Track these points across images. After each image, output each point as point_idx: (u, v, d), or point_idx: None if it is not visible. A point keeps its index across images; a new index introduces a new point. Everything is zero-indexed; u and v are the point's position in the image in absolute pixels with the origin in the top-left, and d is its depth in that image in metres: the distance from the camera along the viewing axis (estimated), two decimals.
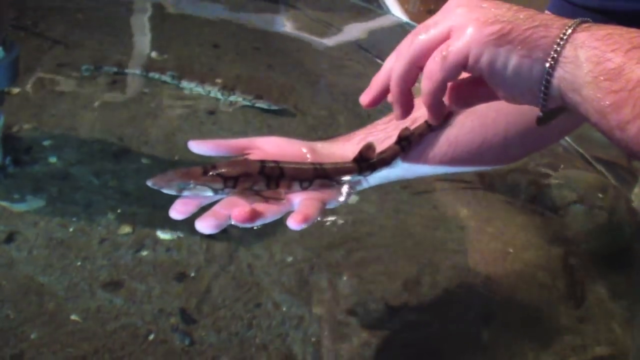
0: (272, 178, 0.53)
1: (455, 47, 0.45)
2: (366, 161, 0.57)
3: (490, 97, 0.49)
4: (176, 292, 0.82)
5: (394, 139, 0.61)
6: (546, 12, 0.66)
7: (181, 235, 0.92)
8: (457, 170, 0.70)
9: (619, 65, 0.40)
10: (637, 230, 1.09)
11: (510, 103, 0.48)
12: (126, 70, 1.50)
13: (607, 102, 0.40)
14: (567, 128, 0.71)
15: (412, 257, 0.98)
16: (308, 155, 0.60)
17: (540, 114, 0.45)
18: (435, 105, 0.48)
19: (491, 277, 0.99)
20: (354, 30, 2.26)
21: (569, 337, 0.88)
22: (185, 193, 0.51)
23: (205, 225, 0.48)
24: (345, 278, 0.91)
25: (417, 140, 0.62)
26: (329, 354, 0.77)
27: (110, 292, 0.80)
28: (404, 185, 1.17)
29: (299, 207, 0.52)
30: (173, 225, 0.93)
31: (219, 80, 1.49)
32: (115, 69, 1.48)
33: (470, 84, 0.49)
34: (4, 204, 0.93)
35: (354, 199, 1.09)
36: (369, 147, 0.57)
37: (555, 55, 0.42)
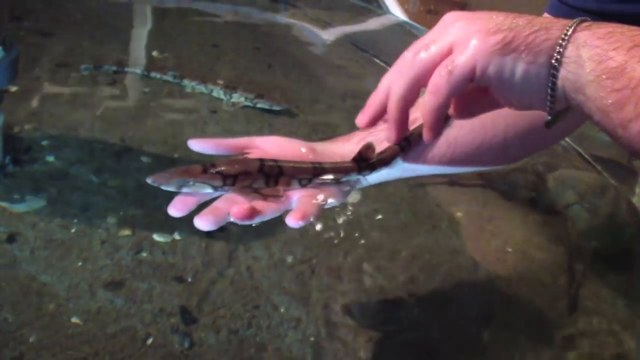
0: (271, 177, 0.53)
1: (461, 60, 0.44)
2: (365, 161, 0.57)
3: (494, 105, 0.49)
4: (176, 292, 0.82)
5: None
6: (545, 14, 0.66)
7: (181, 235, 0.92)
8: (456, 170, 0.70)
9: (621, 64, 0.40)
10: (637, 230, 1.09)
11: (516, 110, 0.49)
12: (126, 69, 1.50)
13: (610, 101, 0.40)
14: (568, 129, 0.71)
15: (412, 257, 0.98)
16: (308, 155, 0.60)
17: (549, 117, 0.45)
18: (437, 121, 0.48)
19: (491, 276, 0.99)
20: (354, 30, 2.26)
21: (569, 336, 0.88)
22: (184, 190, 0.52)
23: (203, 222, 0.48)
24: (344, 278, 0.91)
25: (416, 140, 0.62)
26: (328, 354, 0.77)
27: (111, 293, 0.80)
28: (404, 184, 1.17)
29: (298, 205, 0.53)
30: (173, 226, 0.93)
31: (220, 81, 1.50)
32: (115, 68, 1.48)
33: (474, 94, 0.49)
34: (4, 204, 0.93)
35: (353, 198, 1.09)
36: (369, 147, 0.57)
37: (558, 57, 0.42)
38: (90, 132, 1.17)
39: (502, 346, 0.85)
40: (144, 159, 1.11)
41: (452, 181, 1.22)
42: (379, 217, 1.07)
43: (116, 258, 0.86)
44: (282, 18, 2.27)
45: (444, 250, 1.01)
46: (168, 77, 1.47)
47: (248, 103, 1.41)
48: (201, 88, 1.45)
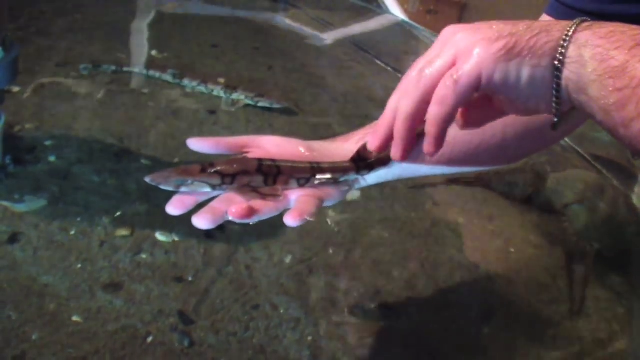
0: (270, 176, 0.53)
1: (466, 69, 0.45)
2: (363, 161, 0.58)
3: (500, 114, 0.50)
4: (175, 293, 0.82)
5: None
6: (544, 15, 0.66)
7: (180, 236, 0.92)
8: (455, 170, 0.70)
9: (623, 63, 0.40)
10: (637, 230, 1.09)
11: (522, 116, 0.49)
12: (125, 69, 1.50)
13: (612, 100, 0.41)
14: (568, 130, 0.71)
15: (412, 257, 0.98)
16: (306, 155, 0.60)
17: (555, 119, 0.46)
18: (441, 132, 0.48)
19: (491, 276, 0.99)
20: (354, 30, 2.26)
21: (569, 336, 0.88)
22: (183, 189, 0.52)
23: (201, 221, 0.48)
24: (343, 278, 0.91)
25: (415, 140, 0.62)
26: (326, 354, 0.77)
27: (111, 293, 0.80)
28: (404, 184, 1.17)
29: (296, 204, 0.53)
30: (172, 226, 0.93)
31: (221, 80, 1.50)
32: (114, 68, 1.48)
33: (479, 104, 0.50)
34: (6, 204, 0.93)
35: (352, 198, 1.09)
36: (367, 147, 0.57)
37: (560, 58, 0.42)
38: (90, 132, 1.18)
39: (502, 346, 0.85)
40: (144, 159, 1.11)
41: (451, 181, 1.22)
42: (378, 217, 1.07)
43: (115, 259, 0.86)
44: (282, 18, 2.27)
45: (443, 250, 1.02)
46: (167, 77, 1.47)
47: (249, 101, 1.41)
48: (201, 88, 1.45)
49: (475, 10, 2.32)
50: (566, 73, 0.43)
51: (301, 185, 0.55)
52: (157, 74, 1.48)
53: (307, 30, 2.13)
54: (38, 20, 1.72)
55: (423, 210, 1.12)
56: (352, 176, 0.58)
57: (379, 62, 1.88)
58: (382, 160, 0.58)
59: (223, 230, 0.95)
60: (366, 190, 1.12)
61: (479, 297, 0.94)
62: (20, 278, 0.80)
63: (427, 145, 0.49)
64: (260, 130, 1.32)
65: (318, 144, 0.64)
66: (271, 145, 0.60)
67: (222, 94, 1.44)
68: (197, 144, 0.57)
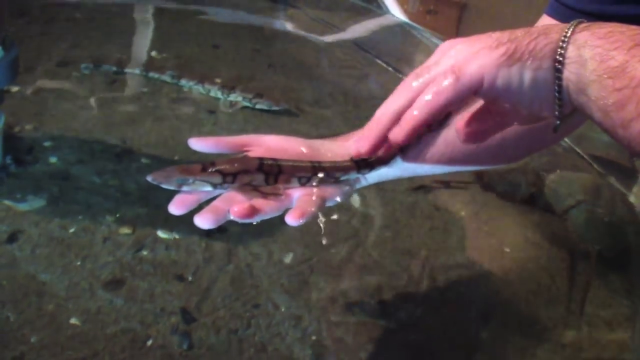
0: (271, 175, 0.53)
1: (470, 70, 0.45)
2: (364, 160, 0.58)
3: (502, 126, 0.50)
4: (176, 292, 0.82)
5: None
6: (544, 15, 0.66)
7: (181, 235, 0.92)
8: (455, 169, 0.70)
9: (622, 63, 0.40)
10: (636, 229, 1.09)
11: (525, 124, 0.49)
12: (126, 70, 1.50)
13: (611, 101, 0.41)
14: (567, 130, 0.71)
15: (411, 256, 0.98)
16: (307, 153, 0.60)
17: (557, 122, 0.46)
18: (419, 123, 0.47)
19: (490, 276, 0.99)
20: (354, 30, 2.26)
21: (568, 336, 0.88)
22: (185, 188, 0.52)
23: (203, 221, 0.48)
24: (343, 277, 0.91)
25: (415, 140, 0.62)
26: (327, 353, 0.77)
27: (111, 293, 0.80)
28: (403, 184, 1.17)
29: (297, 203, 0.53)
30: (173, 226, 0.93)
31: (218, 80, 1.49)
32: (114, 68, 1.48)
33: (483, 118, 0.50)
34: (6, 203, 0.93)
35: (352, 198, 1.09)
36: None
37: (560, 59, 0.42)
38: (90, 132, 1.18)
39: (501, 345, 0.85)
40: (144, 159, 1.11)
41: (450, 181, 1.22)
42: (378, 217, 1.07)
43: (116, 257, 0.87)
44: (282, 18, 2.27)
45: (443, 250, 1.02)
46: (166, 77, 1.47)
47: (247, 103, 1.40)
48: (199, 88, 1.45)
49: (475, 10, 2.32)
50: (566, 73, 0.43)
51: (302, 184, 0.55)
52: (156, 75, 1.48)
53: (307, 31, 2.13)
54: (38, 20, 1.72)
55: (423, 210, 1.12)
56: (353, 175, 0.58)
57: (379, 62, 1.88)
58: (383, 159, 0.58)
59: (224, 229, 0.95)
60: (366, 191, 1.12)
61: (478, 297, 0.94)
62: (20, 277, 0.80)
63: (399, 131, 0.49)
64: (259, 130, 1.32)
65: (319, 142, 0.64)
66: (272, 144, 0.60)
67: (219, 94, 1.43)
68: (198, 144, 0.58)
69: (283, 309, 0.83)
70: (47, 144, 1.11)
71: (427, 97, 0.46)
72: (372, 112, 0.54)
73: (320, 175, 0.55)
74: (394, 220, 1.07)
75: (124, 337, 0.74)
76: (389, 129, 0.51)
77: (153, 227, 0.93)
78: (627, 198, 1.17)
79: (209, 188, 0.52)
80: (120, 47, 1.65)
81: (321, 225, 1.00)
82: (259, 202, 0.50)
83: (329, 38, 2.09)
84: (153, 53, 1.65)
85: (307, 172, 0.55)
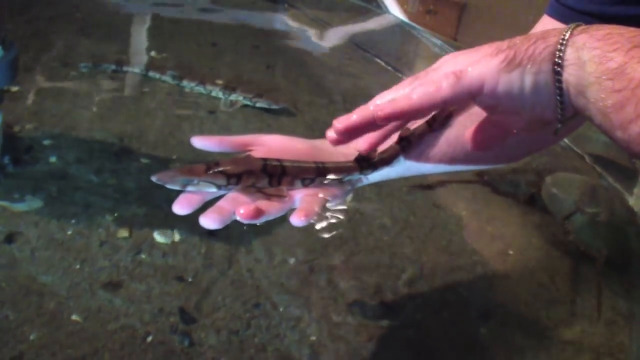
0: (274, 176, 0.53)
1: (471, 74, 0.45)
2: (367, 161, 0.58)
3: (506, 133, 0.50)
4: (176, 292, 0.82)
5: (394, 138, 0.61)
6: (545, 16, 0.66)
7: (181, 235, 0.92)
8: (457, 169, 0.71)
9: (621, 65, 0.40)
10: (636, 230, 1.09)
11: (528, 130, 0.49)
12: (125, 69, 1.50)
13: (610, 102, 0.40)
14: (567, 131, 0.72)
15: (412, 257, 0.98)
16: (310, 153, 0.60)
17: (559, 125, 0.46)
18: (407, 108, 0.47)
19: (491, 277, 0.99)
20: (353, 30, 2.26)
21: (568, 337, 0.88)
22: (189, 189, 0.52)
23: (209, 221, 0.48)
24: (344, 278, 0.91)
25: (417, 140, 0.62)
26: (327, 354, 0.77)
27: (110, 292, 0.80)
28: (404, 184, 1.17)
29: (301, 204, 0.53)
30: (173, 226, 0.93)
31: (219, 81, 1.50)
32: (114, 67, 1.48)
33: (487, 129, 0.51)
34: (4, 203, 0.93)
35: (353, 199, 1.09)
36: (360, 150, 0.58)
37: (559, 61, 0.42)
38: (89, 132, 1.17)
39: (501, 346, 0.85)
40: (143, 159, 1.11)
41: (451, 181, 1.22)
42: (379, 217, 1.07)
43: (115, 258, 0.86)
44: (282, 18, 2.27)
45: (443, 250, 1.02)
46: (167, 77, 1.47)
47: (247, 102, 1.41)
48: (200, 88, 1.45)
49: (475, 10, 2.32)
50: (565, 76, 0.43)
51: (305, 186, 0.55)
52: (157, 75, 1.48)
53: (307, 30, 2.13)
54: (38, 20, 1.72)
55: (423, 211, 1.12)
56: (356, 176, 0.58)
57: (378, 62, 1.88)
58: (385, 160, 0.58)
59: (223, 229, 0.95)
60: (367, 191, 1.12)
61: (479, 298, 0.94)
62: (19, 277, 0.80)
63: (386, 105, 0.47)
64: (258, 130, 1.32)
65: (321, 142, 0.64)
66: (274, 144, 0.60)
67: (220, 94, 1.44)
68: (201, 142, 0.58)
69: (282, 310, 0.83)
70: (46, 143, 1.11)
71: (425, 88, 0.46)
72: None
73: (324, 176, 0.55)
74: (393, 219, 1.07)
75: (124, 334, 0.74)
76: (375, 123, 0.50)
77: (152, 227, 0.93)
78: (624, 199, 1.17)
79: (213, 189, 0.52)
80: (120, 46, 1.65)
81: (321, 225, 1.00)
82: (263, 203, 0.51)
83: (328, 38, 2.10)
84: (152, 53, 1.65)
85: (310, 173, 0.55)
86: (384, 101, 0.48)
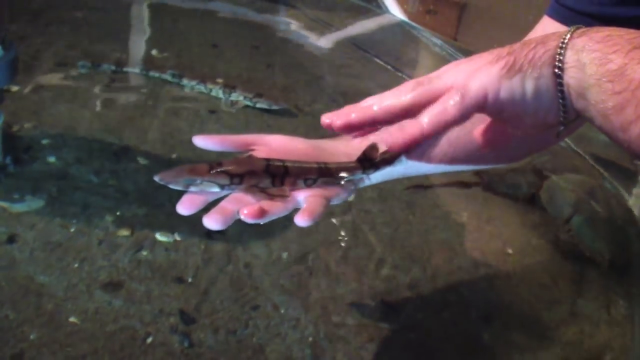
0: (277, 176, 0.53)
1: (473, 87, 0.45)
2: (369, 161, 0.58)
3: (513, 135, 0.50)
4: (175, 293, 0.82)
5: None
6: (545, 16, 0.66)
7: (180, 236, 0.92)
8: (458, 168, 0.71)
9: (621, 66, 0.40)
10: (636, 230, 1.09)
11: (532, 134, 0.49)
12: (125, 69, 1.49)
13: (610, 104, 0.41)
14: (568, 132, 0.72)
15: (411, 257, 0.98)
16: (312, 153, 0.60)
17: (562, 127, 0.46)
18: (420, 137, 0.47)
19: (491, 277, 0.99)
20: (353, 30, 2.26)
21: (569, 338, 0.88)
22: (192, 189, 0.52)
23: (212, 222, 0.48)
24: (342, 278, 0.91)
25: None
26: (327, 355, 0.77)
27: (109, 293, 0.80)
28: (404, 184, 1.17)
29: (305, 204, 0.53)
30: (172, 226, 0.93)
31: (220, 80, 1.50)
32: (113, 67, 1.47)
33: (494, 130, 0.51)
34: (4, 204, 0.93)
35: (354, 198, 1.09)
36: (373, 148, 0.58)
37: (559, 64, 0.43)
38: (89, 132, 1.17)
39: (502, 347, 0.85)
40: (143, 159, 1.11)
41: (451, 181, 1.22)
42: (378, 217, 1.07)
43: (114, 258, 0.86)
44: (282, 18, 2.27)
45: (443, 250, 1.01)
46: (167, 77, 1.47)
47: (247, 102, 1.41)
48: (200, 87, 1.45)
49: (475, 10, 2.32)
50: (566, 78, 0.43)
51: (308, 186, 0.55)
52: (157, 74, 1.48)
53: (307, 30, 2.13)
54: (38, 20, 1.71)
55: (423, 211, 1.12)
56: (358, 176, 0.58)
57: (378, 62, 1.88)
58: (387, 160, 0.59)
59: (223, 230, 0.95)
60: (366, 191, 1.12)
61: (479, 298, 0.94)
62: (19, 277, 0.80)
63: (400, 135, 0.48)
64: (259, 130, 1.32)
65: (323, 142, 0.64)
66: (277, 144, 0.60)
67: (220, 94, 1.43)
68: (203, 141, 0.58)
69: (282, 310, 0.82)
70: (45, 143, 1.10)
71: (433, 113, 0.46)
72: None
73: (326, 176, 0.56)
74: (393, 220, 1.07)
75: (124, 334, 0.74)
76: (374, 119, 0.50)
77: (152, 228, 0.93)
78: (622, 199, 1.17)
79: (216, 189, 0.52)
80: (120, 46, 1.65)
81: (320, 226, 1.00)
82: (266, 203, 0.51)
83: (328, 38, 2.09)
84: (153, 52, 1.65)
85: (313, 173, 0.55)
86: (382, 106, 0.49)
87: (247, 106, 1.41)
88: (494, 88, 0.45)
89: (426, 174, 0.70)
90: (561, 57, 0.43)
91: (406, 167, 0.65)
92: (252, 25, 2.11)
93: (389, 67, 1.84)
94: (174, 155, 1.14)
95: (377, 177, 0.63)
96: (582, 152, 1.43)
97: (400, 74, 1.79)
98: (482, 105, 0.45)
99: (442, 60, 2.02)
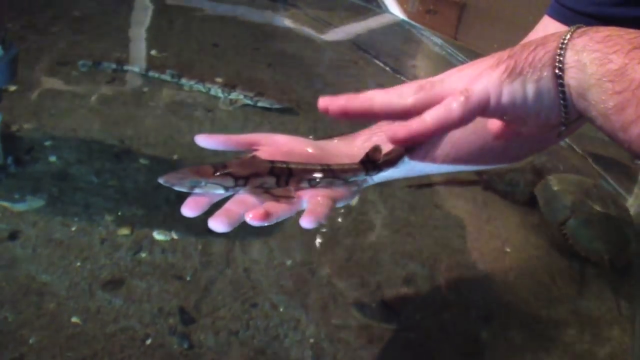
0: (282, 178, 0.53)
1: (477, 89, 0.45)
2: (372, 162, 0.58)
3: (517, 134, 0.50)
4: (174, 292, 0.82)
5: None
6: (545, 16, 0.66)
7: (180, 235, 0.92)
8: (459, 168, 0.71)
9: (621, 66, 0.40)
10: (635, 230, 1.09)
11: (535, 134, 0.49)
12: (125, 68, 1.49)
13: (611, 104, 0.40)
14: (569, 132, 0.72)
15: (411, 257, 0.98)
16: (315, 154, 0.60)
17: (563, 127, 0.46)
18: (422, 135, 0.47)
19: (490, 276, 0.99)
20: (354, 30, 2.26)
21: (568, 336, 0.88)
22: (196, 191, 0.52)
23: (218, 224, 0.48)
24: (343, 278, 0.91)
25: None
26: (327, 355, 0.77)
27: (110, 292, 0.80)
28: (404, 185, 1.17)
29: (310, 206, 0.53)
30: (172, 226, 0.93)
31: (219, 79, 1.49)
32: (114, 66, 1.47)
33: (501, 126, 0.51)
34: (5, 203, 0.93)
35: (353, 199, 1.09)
36: (376, 149, 0.58)
37: (560, 65, 0.42)
38: (89, 132, 1.17)
39: (501, 346, 0.85)
40: (143, 160, 1.11)
41: (451, 181, 1.22)
42: (378, 217, 1.07)
43: (115, 257, 0.86)
44: (282, 17, 2.27)
45: (442, 251, 1.02)
46: (166, 76, 1.47)
47: (248, 101, 1.41)
48: (199, 87, 1.45)
49: (475, 10, 2.32)
50: (567, 79, 0.43)
51: (312, 187, 0.55)
52: (156, 74, 1.48)
53: (307, 30, 2.13)
54: (37, 19, 1.71)
55: (423, 211, 1.12)
56: (361, 177, 0.59)
57: (378, 62, 1.88)
58: (390, 161, 0.59)
59: None
60: (366, 192, 1.12)
61: (478, 298, 0.94)
62: (20, 277, 0.80)
63: (401, 129, 0.47)
64: (258, 129, 1.32)
65: (326, 142, 0.64)
66: (280, 144, 0.60)
67: (219, 93, 1.43)
68: (206, 141, 0.57)
69: (282, 310, 0.82)
70: (46, 143, 1.10)
71: (437, 112, 0.46)
72: None
73: (330, 178, 0.56)
74: (394, 220, 1.07)
75: (123, 336, 0.74)
76: (371, 113, 0.49)
77: (151, 227, 0.93)
78: (618, 199, 1.17)
79: (221, 191, 0.52)
80: (120, 45, 1.65)
81: (321, 226, 1.00)
82: (271, 205, 0.50)
83: (328, 37, 2.09)
84: (153, 52, 1.65)
85: (316, 174, 0.55)
86: (379, 102, 0.48)
87: (246, 105, 1.41)
88: (496, 93, 0.45)
89: (428, 174, 0.70)
90: (561, 58, 0.42)
91: (409, 168, 0.65)
92: (253, 24, 2.11)
93: (388, 67, 1.84)
94: (174, 156, 1.14)
95: (380, 177, 0.63)
96: (582, 152, 1.43)
97: (399, 76, 1.79)
98: (484, 109, 0.45)
99: (442, 60, 2.02)
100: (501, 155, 0.68)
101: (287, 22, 2.21)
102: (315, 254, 0.94)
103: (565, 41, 0.43)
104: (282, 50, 1.88)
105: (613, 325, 0.92)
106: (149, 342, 0.74)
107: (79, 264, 0.84)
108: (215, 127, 1.30)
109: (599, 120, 0.42)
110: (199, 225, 0.48)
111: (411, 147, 0.61)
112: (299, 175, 0.54)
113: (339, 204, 0.56)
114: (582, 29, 0.43)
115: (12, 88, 1.27)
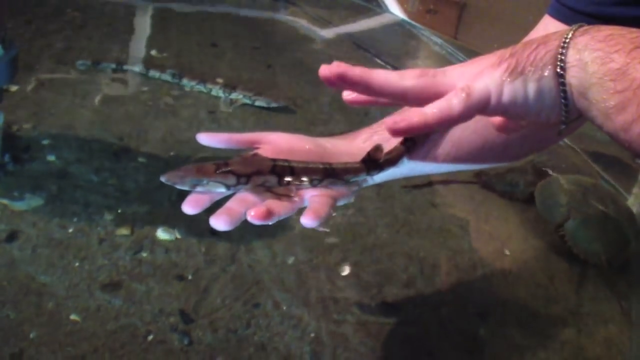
0: (283, 176, 0.54)
1: (478, 87, 0.45)
2: (373, 162, 0.58)
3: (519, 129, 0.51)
4: (176, 291, 0.82)
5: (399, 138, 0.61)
6: (546, 15, 0.66)
7: (181, 234, 0.92)
8: (460, 168, 0.71)
9: (623, 66, 0.40)
10: (635, 229, 1.09)
11: (538, 131, 0.49)
12: (125, 67, 1.49)
13: (612, 103, 0.40)
14: (570, 131, 0.72)
15: (411, 256, 0.98)
16: (316, 152, 0.60)
17: (563, 126, 0.46)
18: (420, 128, 0.47)
19: (488, 275, 0.99)
20: (354, 29, 2.26)
21: (566, 336, 0.88)
22: (198, 189, 0.52)
23: (219, 222, 0.48)
24: (343, 276, 0.91)
25: (421, 140, 0.62)
26: (327, 352, 0.77)
27: (110, 293, 0.80)
28: (403, 184, 1.17)
29: (311, 205, 0.53)
30: (173, 224, 0.93)
31: (220, 80, 1.50)
32: (113, 66, 1.47)
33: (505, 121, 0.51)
34: (4, 201, 0.93)
35: (353, 199, 1.09)
36: (377, 149, 0.58)
37: (561, 64, 0.42)
38: (89, 131, 1.17)
39: (499, 345, 0.85)
40: (143, 159, 1.11)
41: (450, 180, 1.22)
42: (378, 216, 1.07)
43: (115, 257, 0.86)
44: (282, 17, 2.27)
45: (442, 250, 1.02)
46: (167, 76, 1.47)
47: (247, 101, 1.41)
48: (200, 87, 1.45)
49: (475, 10, 2.32)
50: (568, 78, 0.43)
51: (314, 186, 0.55)
52: (157, 74, 1.48)
53: (307, 29, 2.13)
54: (37, 19, 1.71)
55: (422, 211, 1.12)
56: (362, 176, 0.59)
57: (378, 61, 1.88)
58: (391, 160, 0.59)
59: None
60: (366, 192, 1.12)
61: (476, 296, 0.95)
62: (19, 276, 0.80)
63: (400, 120, 0.47)
64: (258, 128, 1.32)
65: (327, 141, 0.64)
66: (281, 142, 0.60)
67: (220, 93, 1.44)
68: (207, 139, 0.57)
69: (284, 308, 0.83)
70: (45, 142, 1.11)
71: (437, 107, 0.46)
72: (371, 110, 0.54)
73: (331, 177, 0.56)
74: (393, 218, 1.07)
75: (124, 333, 0.74)
76: (369, 85, 0.49)
77: (152, 226, 0.93)
78: (618, 198, 1.17)
79: (222, 189, 0.52)
80: (120, 45, 1.65)
81: (321, 225, 1.00)
82: (272, 203, 0.51)
83: (328, 36, 2.09)
84: (153, 52, 1.65)
85: (318, 174, 0.55)
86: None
87: (245, 104, 1.41)
88: (497, 91, 0.45)
89: (429, 173, 0.70)
90: (563, 57, 0.42)
91: (409, 168, 0.65)
92: (252, 24, 2.11)
93: (388, 66, 1.84)
94: (173, 154, 1.14)
95: (380, 177, 0.63)
96: (582, 151, 1.43)
97: None
98: (485, 107, 0.45)
99: (442, 59, 2.02)
100: (501, 154, 0.68)
101: (287, 21, 2.21)
102: (316, 252, 0.94)
103: (567, 40, 0.43)
104: (282, 50, 1.88)
105: (610, 325, 0.92)
106: (150, 338, 0.74)
107: (77, 264, 0.84)
108: (215, 127, 1.30)
109: (599, 119, 0.42)
110: (200, 224, 0.48)
111: (412, 145, 0.61)
112: (301, 173, 0.54)
113: (340, 203, 0.56)
114: (584, 28, 0.43)
115: (13, 88, 1.27)
